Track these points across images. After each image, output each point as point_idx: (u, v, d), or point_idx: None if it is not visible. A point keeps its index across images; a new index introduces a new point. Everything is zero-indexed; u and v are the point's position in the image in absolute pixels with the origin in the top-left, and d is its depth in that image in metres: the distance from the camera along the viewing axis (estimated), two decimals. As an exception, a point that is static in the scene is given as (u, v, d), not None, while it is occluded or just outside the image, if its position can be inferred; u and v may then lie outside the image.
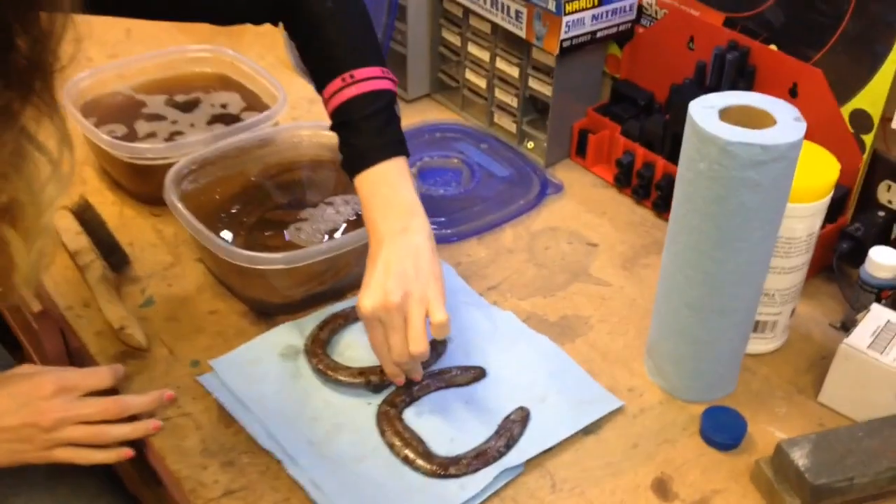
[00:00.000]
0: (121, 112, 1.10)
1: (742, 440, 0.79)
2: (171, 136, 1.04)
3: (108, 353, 0.86)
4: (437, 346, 0.85)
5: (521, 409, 0.81)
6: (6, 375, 0.75)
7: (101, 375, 0.77)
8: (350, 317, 0.89)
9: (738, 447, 0.79)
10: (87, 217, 0.99)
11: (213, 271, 0.93)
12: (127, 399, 0.77)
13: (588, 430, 0.81)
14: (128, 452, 0.76)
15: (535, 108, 1.16)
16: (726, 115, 0.73)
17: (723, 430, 0.79)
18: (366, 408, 0.81)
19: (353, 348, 0.87)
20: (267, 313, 0.91)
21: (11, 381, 0.74)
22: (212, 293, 0.93)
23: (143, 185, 1.03)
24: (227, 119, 1.08)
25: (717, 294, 0.77)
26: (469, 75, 1.19)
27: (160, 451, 0.78)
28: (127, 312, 0.88)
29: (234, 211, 0.95)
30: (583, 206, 1.08)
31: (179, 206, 0.89)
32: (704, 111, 0.73)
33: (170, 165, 0.96)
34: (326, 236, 0.93)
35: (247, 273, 0.85)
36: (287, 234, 0.93)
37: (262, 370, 0.84)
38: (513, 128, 1.17)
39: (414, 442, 0.77)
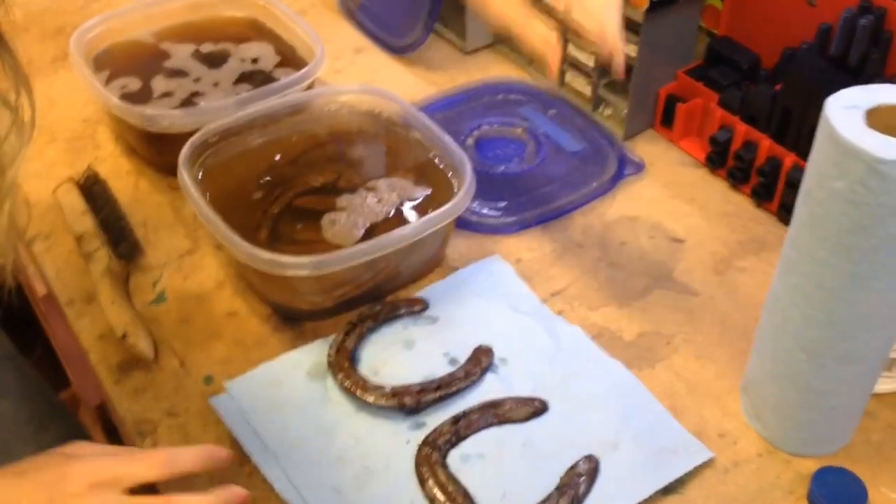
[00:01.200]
0: (139, 63, 0.96)
1: (859, 511, 0.65)
2: (190, 98, 0.90)
3: (111, 361, 0.75)
4: None
5: (589, 458, 0.67)
6: (42, 458, 0.59)
7: (151, 462, 0.59)
8: (381, 316, 0.76)
9: (854, 519, 0.65)
10: (94, 192, 0.87)
11: (233, 266, 0.81)
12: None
13: (669, 489, 0.67)
14: None
15: (615, 68, 0.99)
16: (875, 117, 0.57)
17: (837, 498, 0.65)
18: (403, 448, 0.68)
19: (390, 364, 0.74)
20: (293, 318, 0.78)
21: (46, 465, 0.58)
22: (231, 289, 0.81)
23: (157, 155, 0.90)
24: (257, 78, 0.93)
25: (843, 340, 0.62)
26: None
27: (162, 489, 0.66)
28: (133, 314, 0.76)
29: (258, 196, 0.81)
30: (667, 190, 0.92)
31: (193, 190, 0.76)
32: (846, 113, 0.56)
33: (187, 134, 0.82)
34: (362, 230, 0.79)
35: (269, 276, 0.72)
36: (322, 227, 0.79)
37: (285, 394, 0.71)
38: (587, 90, 1.00)
39: (459, 497, 0.64)
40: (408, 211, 0.80)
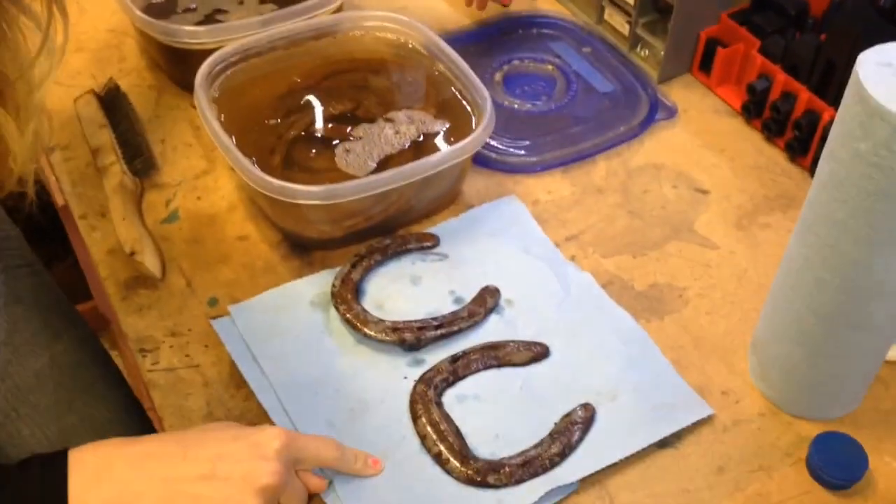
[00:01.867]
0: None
1: (860, 479, 0.63)
2: (213, 14, 0.88)
3: (119, 277, 0.75)
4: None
5: (586, 406, 0.66)
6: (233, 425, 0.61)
7: (329, 447, 0.61)
8: (390, 249, 0.75)
9: (854, 487, 0.64)
10: (114, 105, 0.86)
11: (246, 190, 0.80)
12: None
13: (665, 442, 0.66)
14: None
15: (654, 7, 0.95)
16: (910, 76, 0.53)
17: (836, 465, 0.63)
18: (400, 383, 0.68)
19: (395, 298, 0.73)
20: (303, 246, 0.77)
21: (241, 428, 0.60)
22: (244, 213, 0.80)
23: (178, 71, 0.89)
24: (282, -1, 0.91)
25: (856, 307, 0.60)
26: (579, -43, 0.99)
27: (159, 409, 0.67)
28: (143, 232, 0.76)
29: (275, 120, 0.80)
30: (698, 139, 0.89)
31: (207, 111, 0.75)
32: (879, 70, 0.53)
33: (209, 51, 0.81)
34: (376, 161, 0.77)
35: (280, 202, 0.71)
36: (336, 155, 0.78)
37: (287, 322, 0.71)
38: (625, 29, 0.96)
39: (450, 436, 0.64)
40: (425, 144, 0.79)
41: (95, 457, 0.56)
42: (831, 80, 0.83)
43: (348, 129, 0.80)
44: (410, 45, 0.85)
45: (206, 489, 0.55)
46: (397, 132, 0.79)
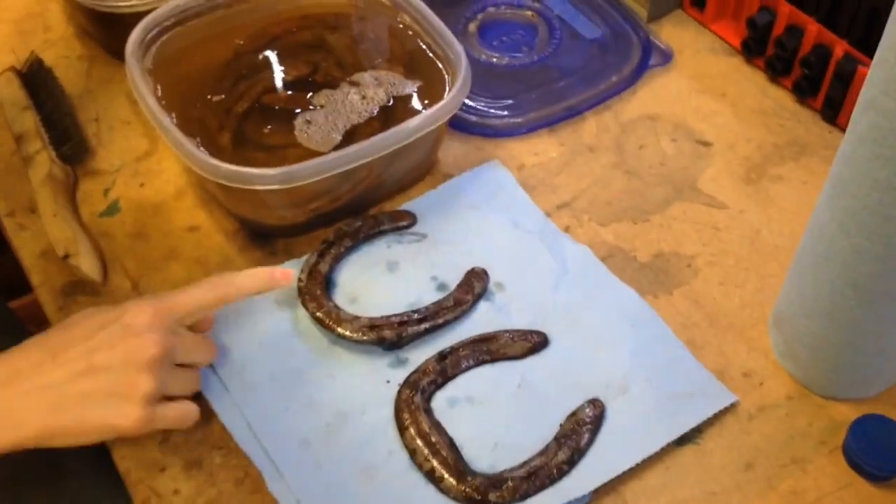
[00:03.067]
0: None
1: (903, 468, 0.57)
2: (146, -30, 0.78)
3: (55, 283, 0.66)
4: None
5: (594, 402, 0.59)
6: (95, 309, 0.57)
7: (206, 288, 0.58)
8: (361, 233, 0.67)
9: (896, 477, 0.57)
10: (38, 82, 0.76)
11: (195, 173, 0.71)
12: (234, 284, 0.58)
13: (685, 438, 0.58)
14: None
15: (640, -63, 0.85)
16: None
17: (878, 453, 0.56)
18: (383, 389, 0.60)
19: (370, 290, 0.65)
20: (262, 235, 0.68)
21: (105, 312, 0.56)
22: (194, 199, 0.71)
23: (111, 38, 0.78)
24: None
25: (901, 277, 0.52)
26: None
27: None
28: (78, 230, 0.67)
29: (221, 93, 0.70)
30: (695, 83, 0.80)
31: (141, 84, 0.65)
32: (931, 1, 0.44)
33: (142, 14, 0.71)
34: (342, 133, 0.68)
35: (233, 188, 0.62)
36: (296, 128, 0.69)
37: (249, 326, 0.63)
38: (608, -37, 0.87)
39: (443, 449, 0.56)
40: (395, 109, 0.69)
41: None
42: (842, 9, 0.74)
43: (307, 96, 0.70)
44: (370, -5, 0.75)
45: (89, 384, 0.53)
46: (364, 97, 0.70)
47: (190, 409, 0.56)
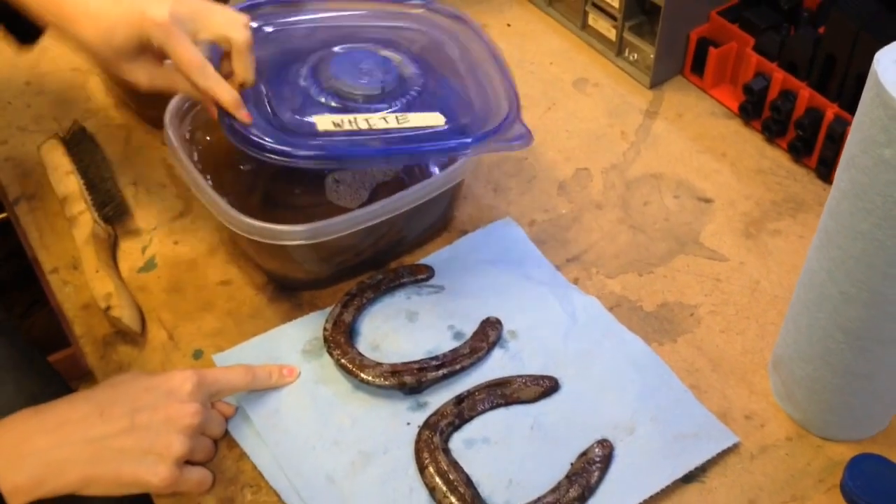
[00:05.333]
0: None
1: (898, 504, 0.60)
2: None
3: (96, 334, 0.71)
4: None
5: (603, 443, 0.62)
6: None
7: (237, 373, 0.64)
8: (382, 285, 0.71)
9: (892, 513, 0.60)
10: (81, 150, 0.82)
11: (227, 231, 0.75)
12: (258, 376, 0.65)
13: (689, 476, 0.62)
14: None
15: (641, 9, 0.91)
16: (932, 73, 0.49)
17: (873, 490, 0.59)
18: (403, 430, 0.64)
19: (391, 338, 0.69)
20: (290, 288, 0.73)
21: (149, 378, 0.61)
22: (225, 256, 0.76)
23: (147, 107, 0.84)
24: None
25: (887, 320, 0.56)
26: (559, -37, 0.95)
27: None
28: (118, 284, 0.71)
29: (249, 165, 0.75)
30: (696, 144, 0.85)
31: (179, 149, 0.70)
32: (899, 68, 0.49)
33: (178, 86, 0.76)
34: (369, 190, 0.73)
35: (263, 243, 0.67)
36: (326, 187, 0.74)
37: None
38: (612, 34, 0.92)
39: (461, 487, 0.60)
40: (418, 170, 0.74)
41: (11, 434, 0.56)
42: (832, 75, 0.79)
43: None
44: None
45: (129, 441, 0.57)
46: (386, 159, 0.75)
47: (208, 476, 0.61)
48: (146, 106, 0.85)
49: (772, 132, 0.84)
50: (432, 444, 0.62)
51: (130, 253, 0.76)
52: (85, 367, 0.71)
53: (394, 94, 0.69)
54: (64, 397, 0.59)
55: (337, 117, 0.66)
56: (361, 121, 0.66)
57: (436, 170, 0.74)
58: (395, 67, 0.71)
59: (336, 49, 0.72)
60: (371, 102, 0.68)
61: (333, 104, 0.67)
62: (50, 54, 0.94)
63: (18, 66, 0.92)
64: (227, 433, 0.63)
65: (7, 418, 0.57)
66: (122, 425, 0.57)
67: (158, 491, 0.58)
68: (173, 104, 0.74)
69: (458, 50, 0.75)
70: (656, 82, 0.90)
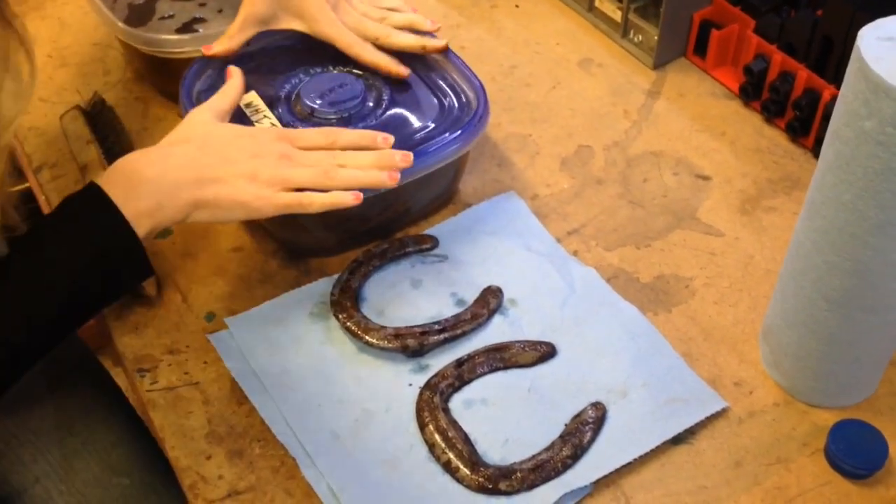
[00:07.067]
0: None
1: (881, 467, 0.62)
2: (191, 23, 0.86)
3: (113, 296, 0.74)
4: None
5: (596, 405, 0.65)
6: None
7: (317, 132, 0.69)
8: (388, 254, 0.74)
9: (875, 475, 0.62)
10: (101, 120, 0.85)
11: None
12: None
13: (679, 438, 0.64)
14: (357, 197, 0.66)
15: (646, -9, 0.93)
16: (914, 50, 0.52)
17: (855, 454, 0.62)
18: (405, 391, 0.67)
19: (396, 304, 0.71)
20: (299, 254, 0.76)
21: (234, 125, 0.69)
22: (238, 223, 0.79)
23: (163, 81, 0.87)
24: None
25: (869, 289, 0.58)
26: (567, -55, 0.97)
27: (160, 429, 0.66)
28: (135, 248, 0.74)
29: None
30: (696, 123, 0.87)
31: (195, 121, 0.73)
32: (881, 45, 0.51)
33: (191, 61, 0.79)
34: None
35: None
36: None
37: (288, 334, 0.70)
38: (617, 15, 0.94)
39: (459, 443, 0.63)
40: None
41: (122, 172, 0.62)
42: (830, 57, 0.81)
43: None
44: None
45: (229, 169, 0.63)
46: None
47: (307, 196, 0.64)
48: (162, 79, 0.87)
49: (770, 112, 0.86)
50: (433, 403, 0.65)
51: (147, 220, 0.79)
52: (106, 335, 0.74)
53: (367, 111, 0.76)
54: (158, 145, 0.65)
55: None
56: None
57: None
58: (360, 82, 0.77)
59: (302, 76, 0.78)
60: (352, 123, 0.74)
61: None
62: (70, 29, 0.97)
63: (40, 39, 0.95)
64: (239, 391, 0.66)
65: (116, 162, 0.63)
66: (221, 156, 0.63)
67: (261, 213, 0.63)
68: (187, 79, 0.77)
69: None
70: (659, 63, 0.93)
